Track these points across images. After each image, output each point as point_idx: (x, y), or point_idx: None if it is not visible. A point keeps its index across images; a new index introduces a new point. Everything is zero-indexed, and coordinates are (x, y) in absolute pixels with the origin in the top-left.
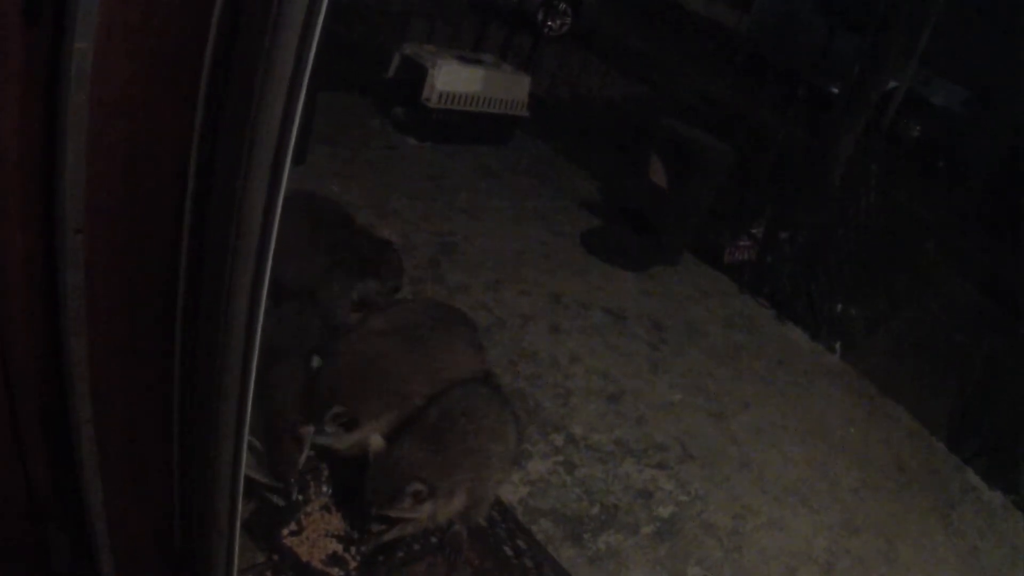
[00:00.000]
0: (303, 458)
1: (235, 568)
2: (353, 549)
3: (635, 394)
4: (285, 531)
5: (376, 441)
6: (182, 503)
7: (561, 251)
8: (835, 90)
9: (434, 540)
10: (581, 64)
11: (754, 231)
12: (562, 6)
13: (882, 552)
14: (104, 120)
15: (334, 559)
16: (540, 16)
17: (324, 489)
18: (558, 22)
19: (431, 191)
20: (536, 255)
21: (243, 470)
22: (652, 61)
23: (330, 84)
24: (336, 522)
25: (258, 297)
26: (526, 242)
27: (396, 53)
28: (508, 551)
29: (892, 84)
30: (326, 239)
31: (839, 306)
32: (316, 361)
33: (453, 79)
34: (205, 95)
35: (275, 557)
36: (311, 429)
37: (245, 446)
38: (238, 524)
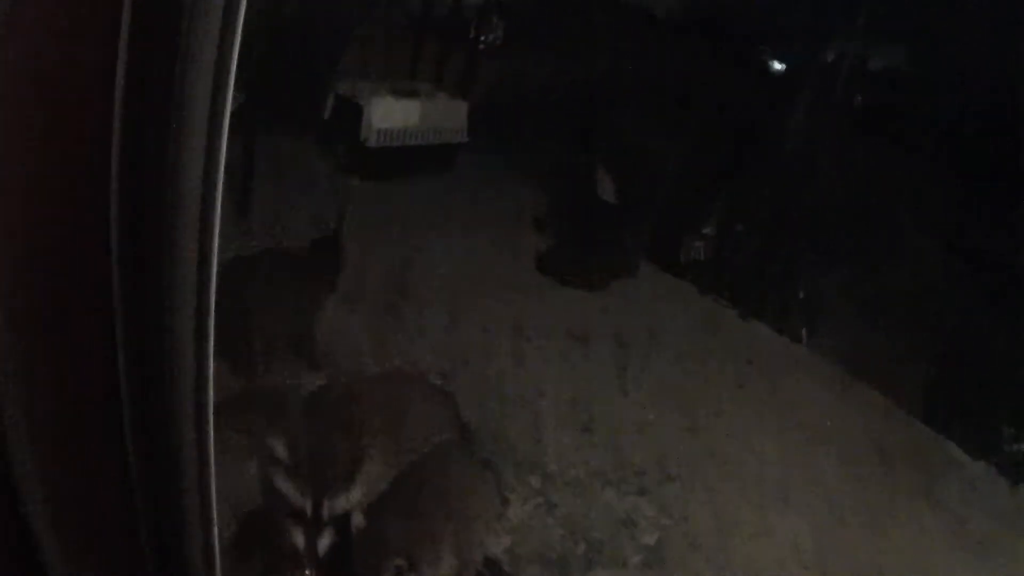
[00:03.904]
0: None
1: None
2: None
3: (607, 419)
4: None
5: (357, 519)
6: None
7: (517, 276)
8: (777, 65)
9: None
10: (519, 73)
11: (706, 230)
12: (494, 19)
13: (871, 541)
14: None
15: None
16: (473, 31)
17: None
18: (491, 36)
19: (381, 231)
20: (493, 285)
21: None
22: (592, 59)
23: (269, 128)
24: None
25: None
26: (481, 272)
27: (331, 93)
28: None
29: (835, 52)
30: None
31: (801, 292)
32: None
33: (389, 115)
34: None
35: None
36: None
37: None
38: None
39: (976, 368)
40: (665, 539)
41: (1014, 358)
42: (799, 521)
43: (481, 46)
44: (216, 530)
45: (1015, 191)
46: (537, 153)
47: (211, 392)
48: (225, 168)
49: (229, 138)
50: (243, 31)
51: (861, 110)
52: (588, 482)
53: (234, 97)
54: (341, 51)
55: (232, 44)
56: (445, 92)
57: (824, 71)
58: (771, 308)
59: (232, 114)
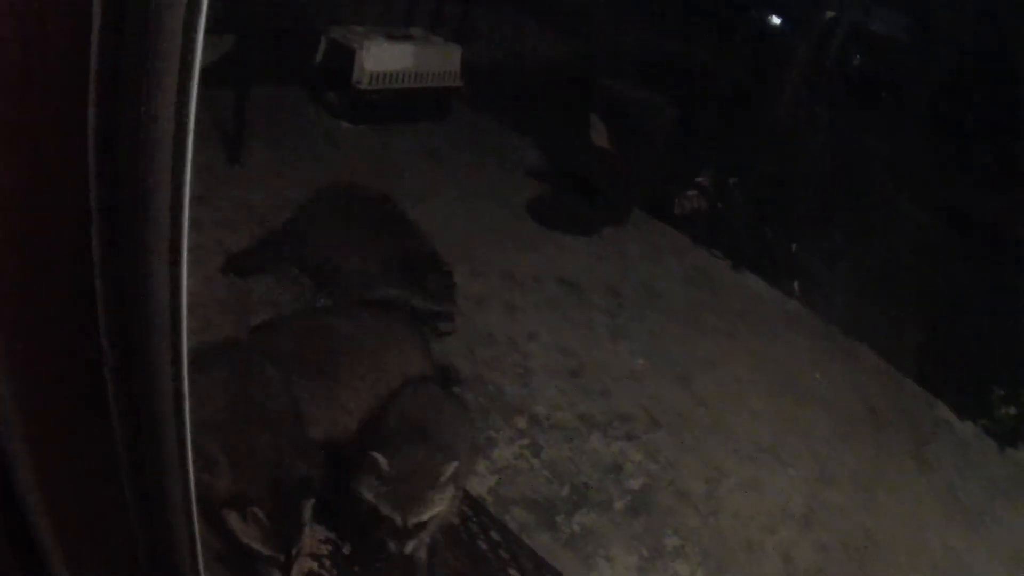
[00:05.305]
0: (305, 531)
1: None
2: (328, 563)
3: (596, 366)
4: None
5: (380, 460)
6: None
7: (509, 224)
8: (776, 21)
9: None
10: (515, 25)
11: (700, 179)
12: None
13: (860, 500)
14: None
15: None
16: None
17: None
18: None
19: (372, 177)
20: (485, 231)
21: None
22: (586, 13)
23: (260, 77)
24: (310, 540)
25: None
26: (473, 219)
27: (322, 37)
28: (483, 545)
29: (831, 14)
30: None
31: (794, 246)
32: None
33: (383, 58)
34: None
35: None
36: (312, 502)
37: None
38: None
39: (968, 330)
40: (651, 485)
41: (1005, 321)
42: (788, 475)
43: None
44: (196, 518)
45: (1009, 158)
46: (531, 101)
47: (187, 392)
48: (216, 117)
49: (220, 87)
50: None
51: (857, 71)
52: (575, 426)
53: (222, 43)
54: None
55: None
56: (439, 37)
57: (821, 31)
58: (764, 261)
59: (222, 61)
